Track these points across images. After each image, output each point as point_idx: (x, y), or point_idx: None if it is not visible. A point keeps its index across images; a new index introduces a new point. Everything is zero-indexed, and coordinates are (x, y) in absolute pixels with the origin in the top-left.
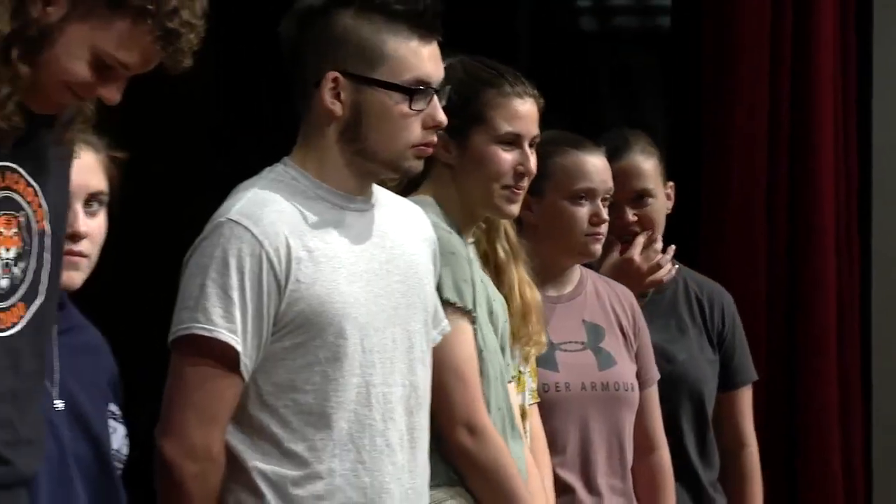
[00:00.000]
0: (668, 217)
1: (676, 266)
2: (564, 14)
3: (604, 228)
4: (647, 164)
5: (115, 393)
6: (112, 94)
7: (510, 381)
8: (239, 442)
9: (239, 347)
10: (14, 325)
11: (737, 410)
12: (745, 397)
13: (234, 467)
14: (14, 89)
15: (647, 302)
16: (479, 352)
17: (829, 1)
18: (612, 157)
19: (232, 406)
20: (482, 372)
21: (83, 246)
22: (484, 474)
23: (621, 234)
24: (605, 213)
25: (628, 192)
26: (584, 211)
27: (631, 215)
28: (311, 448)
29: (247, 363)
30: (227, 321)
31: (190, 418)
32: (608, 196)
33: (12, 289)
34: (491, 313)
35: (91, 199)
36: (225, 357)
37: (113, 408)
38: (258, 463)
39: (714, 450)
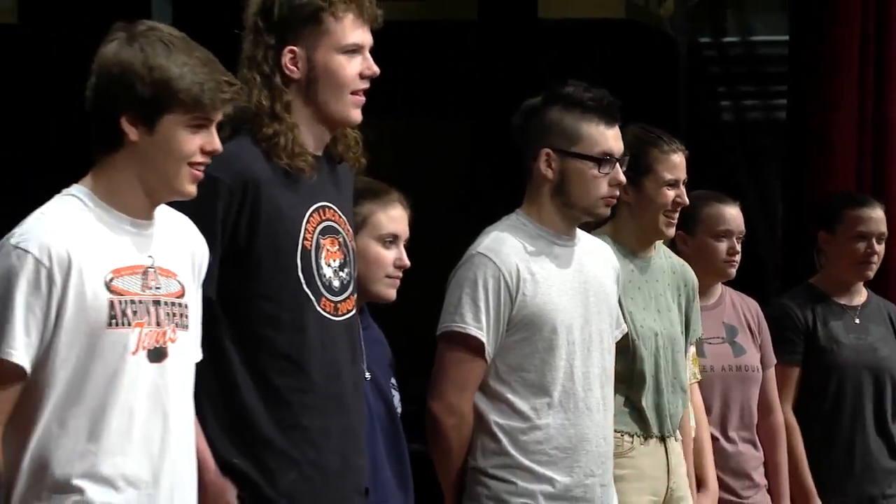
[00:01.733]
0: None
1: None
2: (710, 109)
3: (737, 258)
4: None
5: (392, 371)
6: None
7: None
8: (483, 404)
9: (484, 340)
10: (348, 312)
11: None
12: None
13: (479, 422)
14: (294, 135)
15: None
16: (633, 340)
17: None
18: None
19: (478, 380)
20: (637, 353)
21: (400, 273)
22: None
23: None
24: (738, 247)
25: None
26: (723, 246)
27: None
28: (533, 409)
29: (489, 351)
30: (476, 322)
31: (449, 387)
32: (741, 235)
33: (342, 288)
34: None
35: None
36: (474, 346)
37: (392, 381)
38: (496, 418)
39: None
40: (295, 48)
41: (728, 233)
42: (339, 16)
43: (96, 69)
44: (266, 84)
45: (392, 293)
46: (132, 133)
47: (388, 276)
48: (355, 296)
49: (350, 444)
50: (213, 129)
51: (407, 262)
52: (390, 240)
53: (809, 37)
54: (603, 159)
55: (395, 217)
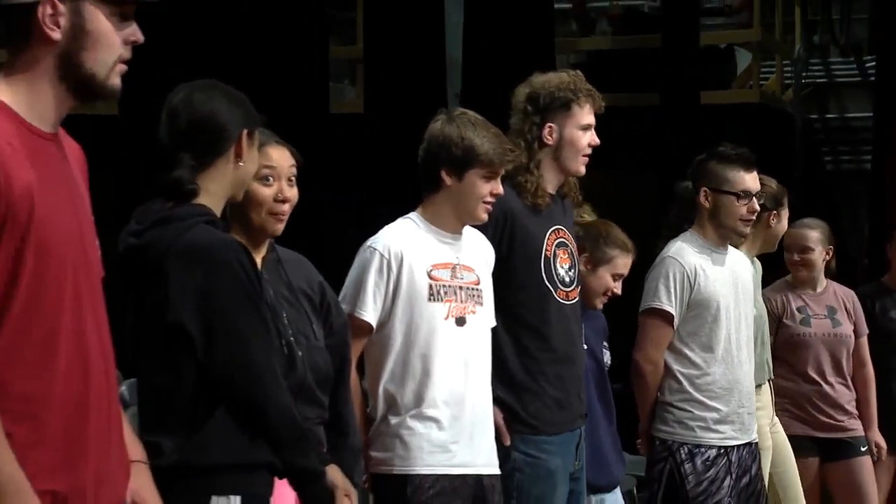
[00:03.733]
0: None
1: None
2: (817, 162)
3: None
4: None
5: (604, 335)
6: None
7: None
8: (670, 358)
9: (673, 313)
10: (574, 299)
11: None
12: None
13: (667, 370)
14: (539, 183)
15: None
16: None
17: None
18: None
19: (668, 341)
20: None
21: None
22: None
23: None
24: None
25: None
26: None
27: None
28: (704, 361)
29: (676, 321)
30: (668, 301)
31: (649, 346)
32: (806, 250)
33: (570, 282)
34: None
35: None
36: (666, 317)
37: (605, 343)
38: (679, 367)
39: None
40: (552, 125)
41: (791, 247)
42: (582, 104)
43: (426, 138)
44: (527, 148)
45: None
46: (448, 180)
47: (604, 295)
48: (579, 288)
49: (575, 385)
50: (499, 180)
51: (618, 292)
52: (619, 278)
53: (886, 114)
54: (741, 195)
55: (626, 264)
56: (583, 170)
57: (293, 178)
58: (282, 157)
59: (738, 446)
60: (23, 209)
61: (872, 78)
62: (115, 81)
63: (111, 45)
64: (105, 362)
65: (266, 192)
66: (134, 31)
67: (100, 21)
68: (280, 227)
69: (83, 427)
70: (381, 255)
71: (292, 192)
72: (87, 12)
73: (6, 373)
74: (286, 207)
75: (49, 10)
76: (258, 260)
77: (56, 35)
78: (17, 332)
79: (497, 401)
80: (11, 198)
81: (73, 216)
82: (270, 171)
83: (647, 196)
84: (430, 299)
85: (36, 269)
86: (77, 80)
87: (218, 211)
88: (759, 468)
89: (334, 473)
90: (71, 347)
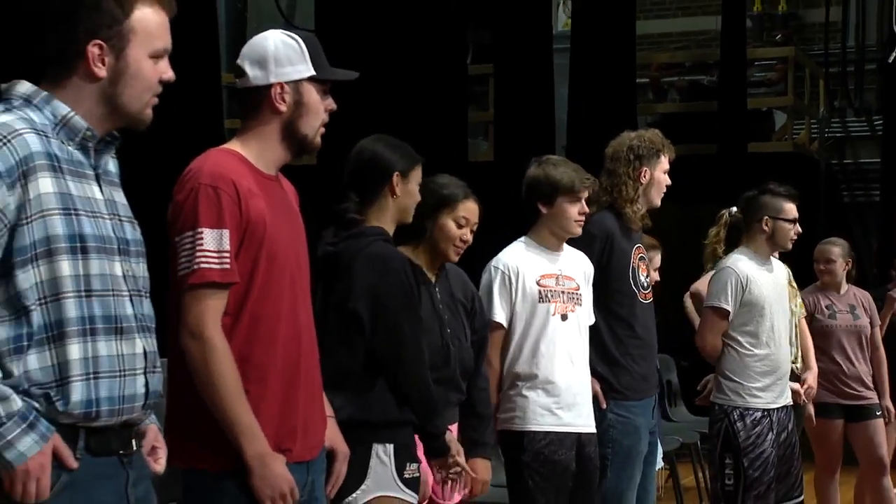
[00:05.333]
0: None
1: None
2: (836, 197)
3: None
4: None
5: None
6: None
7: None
8: (727, 343)
9: (729, 309)
10: (650, 299)
11: None
12: None
13: (723, 352)
14: (634, 211)
15: None
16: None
17: None
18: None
19: (722, 330)
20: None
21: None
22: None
23: None
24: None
25: None
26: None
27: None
28: (752, 345)
29: (731, 315)
30: (725, 300)
31: (708, 333)
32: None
33: (646, 287)
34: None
35: None
36: (723, 313)
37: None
38: (733, 350)
39: None
40: (646, 168)
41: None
42: (665, 154)
43: (525, 181)
44: (632, 186)
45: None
46: (543, 209)
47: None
48: (650, 291)
49: (653, 362)
50: (583, 201)
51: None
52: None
53: (890, 160)
54: (790, 220)
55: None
56: (659, 203)
57: (475, 228)
58: (474, 212)
59: (777, 409)
60: (258, 228)
61: (880, 132)
62: (318, 141)
63: (318, 114)
64: (311, 337)
65: (457, 232)
66: (331, 102)
67: (312, 96)
68: (456, 258)
69: (295, 386)
70: (503, 272)
71: (470, 237)
72: (305, 90)
73: (247, 347)
74: (464, 247)
75: (279, 90)
76: (432, 275)
77: (282, 108)
78: (253, 315)
79: (596, 374)
80: (250, 220)
81: (290, 233)
82: (465, 219)
83: (705, 222)
84: (540, 301)
85: (266, 270)
86: (294, 140)
87: (391, 231)
88: (794, 425)
89: (451, 437)
90: (289, 326)
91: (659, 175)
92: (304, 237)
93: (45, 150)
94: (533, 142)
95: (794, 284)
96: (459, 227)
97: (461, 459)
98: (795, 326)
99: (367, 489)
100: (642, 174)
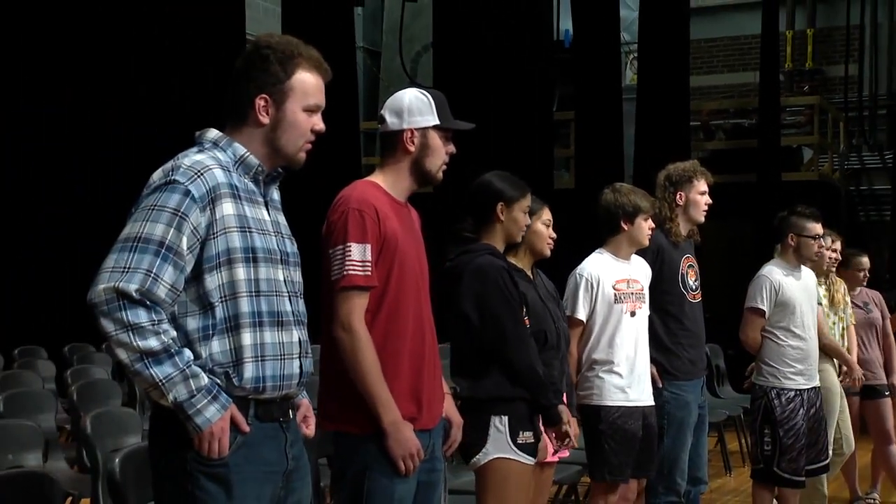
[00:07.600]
0: None
1: None
2: (854, 217)
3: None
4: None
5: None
6: None
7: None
8: (765, 336)
9: (765, 309)
10: (698, 299)
11: None
12: None
13: (762, 344)
14: (676, 228)
15: None
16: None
17: None
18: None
19: (760, 326)
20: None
21: None
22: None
23: None
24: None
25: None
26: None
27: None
28: (785, 337)
29: (767, 314)
30: (762, 302)
31: (748, 328)
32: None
33: (696, 289)
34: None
35: None
36: (760, 312)
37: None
38: (770, 342)
39: None
40: (681, 192)
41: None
42: (699, 178)
43: (602, 203)
44: (669, 207)
45: None
46: (626, 226)
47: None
48: (699, 292)
49: (701, 350)
50: (650, 220)
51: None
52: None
53: None
54: (815, 237)
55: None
56: (703, 219)
57: (550, 224)
58: (548, 214)
59: (808, 389)
60: (391, 243)
61: (890, 164)
62: (440, 176)
63: (441, 155)
64: (431, 331)
65: (546, 231)
66: (451, 147)
67: (436, 140)
68: (548, 252)
69: (420, 369)
70: (586, 279)
71: (554, 234)
72: (430, 136)
73: (383, 337)
74: (551, 240)
75: (409, 135)
76: (529, 271)
77: (412, 148)
78: (388, 312)
79: (652, 360)
80: (386, 237)
81: (415, 248)
82: (548, 221)
83: (746, 238)
84: (615, 302)
85: (398, 276)
86: (421, 174)
87: (501, 248)
88: (821, 403)
89: (563, 408)
90: (416, 321)
91: (695, 196)
92: (424, 251)
93: (227, 182)
94: (606, 173)
95: (848, 299)
96: (546, 227)
97: (570, 428)
98: (844, 329)
99: (487, 452)
100: (678, 197)
